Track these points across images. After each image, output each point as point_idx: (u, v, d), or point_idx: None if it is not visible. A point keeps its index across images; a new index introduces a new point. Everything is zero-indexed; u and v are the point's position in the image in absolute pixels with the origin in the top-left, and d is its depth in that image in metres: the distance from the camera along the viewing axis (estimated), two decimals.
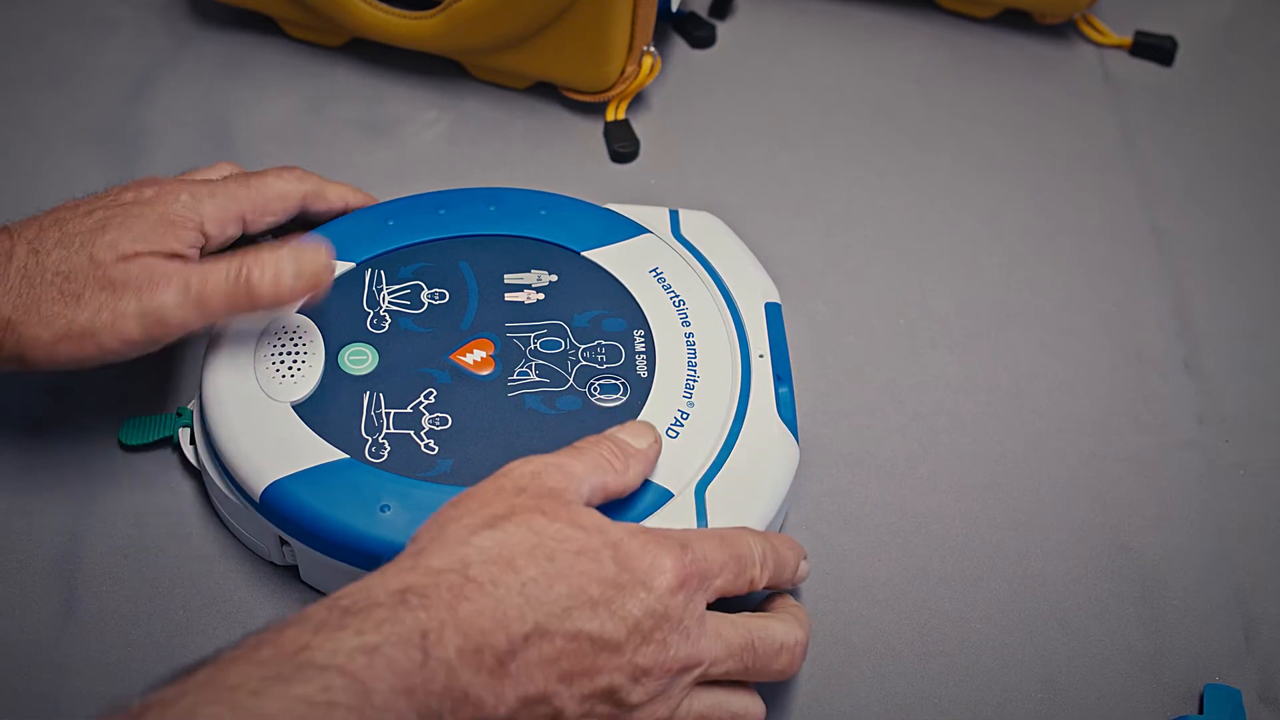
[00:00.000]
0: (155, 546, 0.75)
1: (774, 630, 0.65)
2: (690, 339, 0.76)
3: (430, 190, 0.84)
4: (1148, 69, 1.04)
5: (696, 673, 0.61)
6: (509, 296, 0.78)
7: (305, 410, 0.72)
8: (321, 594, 0.73)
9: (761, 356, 0.76)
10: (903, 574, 0.77)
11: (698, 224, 0.84)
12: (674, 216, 0.84)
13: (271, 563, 0.74)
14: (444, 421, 0.72)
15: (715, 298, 0.79)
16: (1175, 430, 0.84)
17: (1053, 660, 0.74)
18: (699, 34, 1.02)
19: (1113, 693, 0.73)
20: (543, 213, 0.82)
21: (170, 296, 0.69)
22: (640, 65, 0.93)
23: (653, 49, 0.94)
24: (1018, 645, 0.75)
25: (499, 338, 0.76)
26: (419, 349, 0.75)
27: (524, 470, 0.63)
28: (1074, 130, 0.99)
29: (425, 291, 0.78)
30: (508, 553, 0.57)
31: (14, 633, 0.71)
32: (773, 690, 0.72)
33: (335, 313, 0.76)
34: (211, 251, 0.74)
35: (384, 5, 0.92)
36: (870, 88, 1.01)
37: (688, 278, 0.79)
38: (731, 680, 0.64)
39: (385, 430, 0.72)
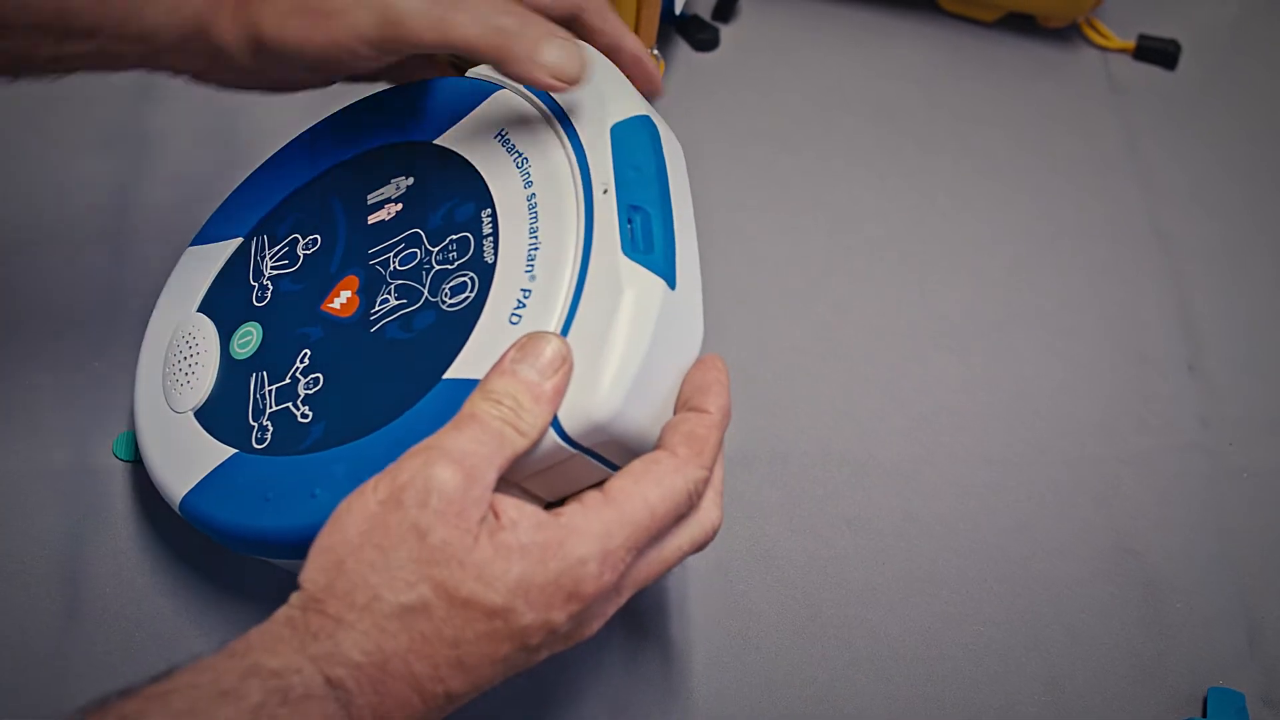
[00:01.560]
0: (157, 550, 0.75)
1: (687, 535, 0.60)
2: (532, 200, 0.65)
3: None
4: (1151, 72, 1.04)
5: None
6: (372, 219, 0.70)
7: (204, 414, 0.69)
8: None
9: (606, 192, 0.63)
10: (906, 576, 0.77)
11: None
12: None
13: (266, 565, 0.74)
14: (316, 383, 0.66)
15: (560, 142, 0.66)
16: (1178, 432, 0.84)
17: (1056, 663, 0.74)
18: (702, 37, 1.02)
19: (1116, 695, 0.73)
20: (399, 106, 0.73)
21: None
22: None
23: (656, 52, 0.94)
24: (1021, 648, 0.75)
25: (363, 269, 0.68)
26: (295, 309, 0.69)
27: (420, 485, 0.55)
28: (1077, 133, 0.99)
29: (301, 243, 0.72)
30: (419, 643, 0.54)
31: (16, 634, 0.71)
32: (777, 694, 0.72)
33: (226, 299, 0.72)
34: None
35: None
36: (873, 91, 1.00)
37: (532, 129, 0.67)
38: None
39: (268, 411, 0.67)
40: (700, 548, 0.61)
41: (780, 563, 0.77)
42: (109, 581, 0.73)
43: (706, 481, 0.60)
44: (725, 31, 1.03)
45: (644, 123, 0.66)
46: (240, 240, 0.74)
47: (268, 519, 0.63)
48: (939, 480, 0.81)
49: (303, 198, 0.74)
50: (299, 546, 0.58)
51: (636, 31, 0.90)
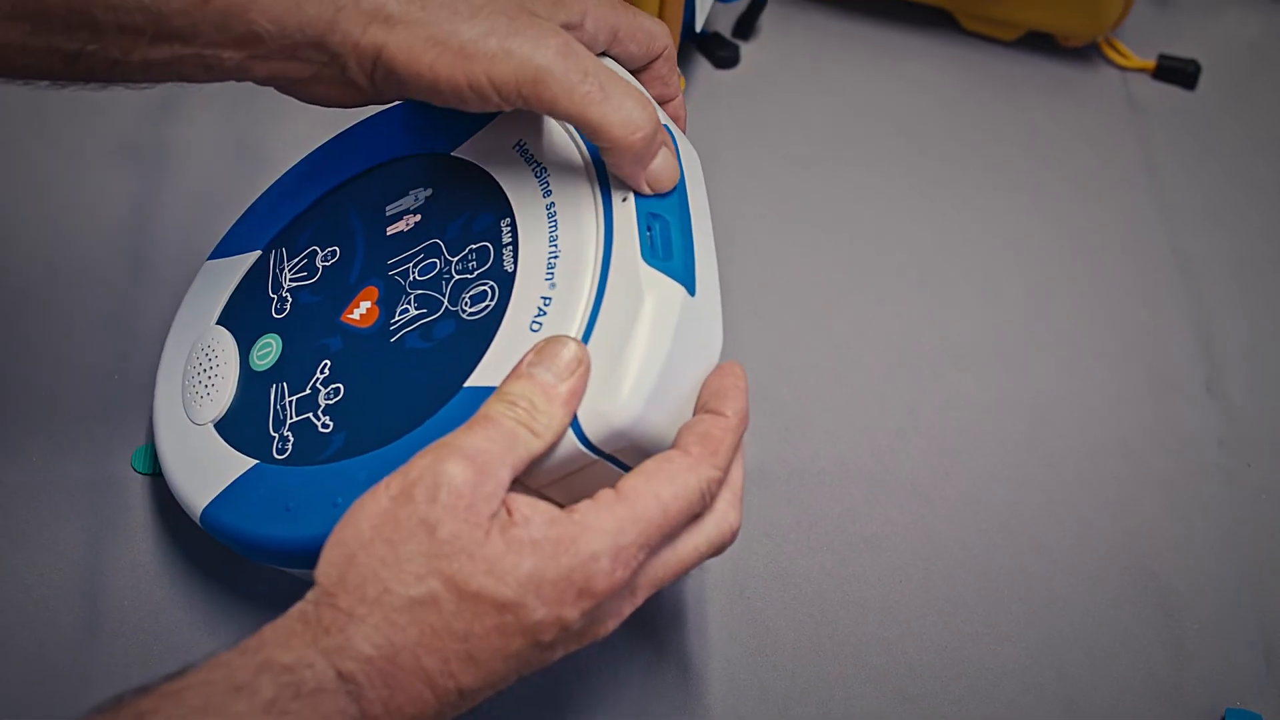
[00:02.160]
0: (175, 563, 0.75)
1: (704, 535, 0.61)
2: (551, 209, 0.65)
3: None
4: (1171, 92, 1.04)
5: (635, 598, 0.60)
6: (390, 230, 0.70)
7: (225, 426, 0.69)
8: None
9: (625, 200, 0.64)
10: (923, 596, 0.77)
11: None
12: None
13: (286, 576, 0.74)
14: (337, 393, 0.66)
15: (578, 151, 0.67)
16: (1197, 453, 0.84)
17: (1073, 683, 0.74)
18: (723, 54, 1.02)
19: (1133, 716, 0.73)
20: (417, 119, 0.74)
21: (555, 56, 0.61)
22: None
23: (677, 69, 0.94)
24: (1039, 668, 0.74)
25: (383, 280, 0.69)
26: (315, 320, 0.70)
27: (430, 481, 0.55)
28: (1097, 153, 0.99)
29: (320, 255, 0.72)
30: (429, 637, 0.54)
31: (34, 647, 0.72)
32: (793, 711, 0.71)
33: (244, 312, 0.73)
34: None
35: None
36: (893, 109, 1.01)
37: (550, 139, 0.68)
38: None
39: (289, 421, 0.67)
40: (719, 550, 0.61)
41: (797, 580, 0.77)
42: (127, 594, 0.74)
43: (720, 482, 0.60)
44: (746, 49, 1.03)
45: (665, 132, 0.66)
46: (258, 253, 0.75)
47: (290, 529, 0.63)
48: (957, 499, 0.81)
49: (320, 210, 0.74)
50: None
51: None
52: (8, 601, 0.73)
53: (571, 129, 0.67)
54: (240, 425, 0.69)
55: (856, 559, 0.78)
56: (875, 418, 0.84)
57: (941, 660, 0.74)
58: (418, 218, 0.70)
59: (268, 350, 0.70)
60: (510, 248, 0.66)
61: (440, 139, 0.72)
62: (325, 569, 0.56)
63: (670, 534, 0.59)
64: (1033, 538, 0.79)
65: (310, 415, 0.67)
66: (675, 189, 0.64)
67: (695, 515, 0.60)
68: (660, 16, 0.89)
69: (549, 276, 0.63)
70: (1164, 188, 0.97)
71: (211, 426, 0.70)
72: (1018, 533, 0.79)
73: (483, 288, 0.65)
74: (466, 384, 0.62)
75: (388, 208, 0.72)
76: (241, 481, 0.66)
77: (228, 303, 0.74)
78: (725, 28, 1.04)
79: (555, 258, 0.64)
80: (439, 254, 0.68)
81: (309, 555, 0.59)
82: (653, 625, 0.74)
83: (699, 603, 0.75)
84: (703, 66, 1.02)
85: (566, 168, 0.66)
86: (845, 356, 0.86)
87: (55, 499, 0.76)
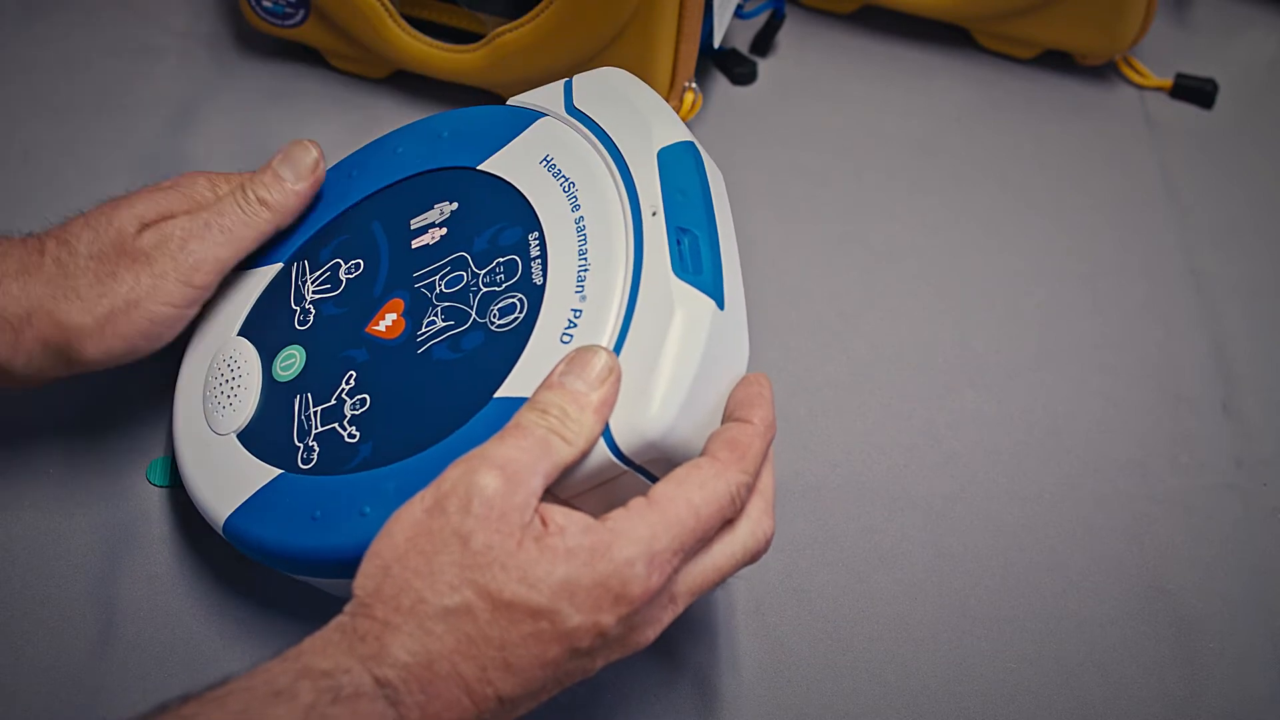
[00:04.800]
0: (191, 575, 0.75)
1: (739, 542, 0.62)
2: (580, 224, 0.67)
3: None
4: (1188, 111, 1.04)
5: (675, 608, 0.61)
6: (415, 243, 0.72)
7: (247, 436, 0.70)
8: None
9: (655, 214, 0.65)
10: (938, 613, 0.77)
11: (593, 86, 0.73)
12: (567, 88, 0.74)
13: (305, 585, 0.74)
14: (363, 403, 0.67)
15: (606, 166, 0.69)
16: (1213, 472, 0.83)
17: (1088, 701, 0.74)
18: (740, 70, 1.02)
19: None
20: (444, 134, 0.76)
21: (199, 244, 0.70)
22: (681, 101, 0.94)
23: (694, 85, 0.94)
24: (1053, 686, 0.74)
25: (409, 292, 0.70)
26: (339, 332, 0.71)
27: (463, 492, 0.57)
28: (1114, 171, 0.99)
29: (343, 268, 0.73)
30: (465, 645, 0.55)
31: (50, 658, 0.72)
32: None
33: (267, 323, 0.74)
34: None
35: (428, 38, 0.93)
36: (911, 126, 1.01)
37: (577, 154, 0.70)
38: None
39: (314, 431, 0.68)
40: (755, 557, 0.62)
41: (812, 596, 0.77)
42: (142, 605, 0.74)
43: (749, 487, 0.61)
44: (763, 66, 1.03)
45: (688, 148, 0.68)
46: (280, 266, 0.75)
47: (317, 538, 0.64)
48: (972, 516, 0.81)
49: (343, 223, 0.75)
50: (348, 564, 0.59)
51: (675, 66, 0.91)
52: (25, 612, 0.73)
53: (598, 143, 0.69)
54: (263, 435, 0.69)
55: (872, 575, 0.78)
56: (890, 433, 0.84)
57: (956, 677, 0.74)
58: (443, 231, 0.71)
59: (291, 361, 0.71)
60: (539, 261, 0.67)
61: (465, 153, 0.73)
62: (362, 581, 0.57)
63: (703, 538, 0.60)
64: (1048, 555, 0.79)
65: (336, 425, 0.67)
66: (702, 202, 0.65)
67: (727, 520, 0.61)
68: (677, 33, 0.89)
69: (579, 289, 0.65)
70: (1181, 206, 0.97)
71: (234, 437, 0.70)
72: (1032, 550, 0.79)
73: (511, 300, 0.66)
74: (497, 394, 0.63)
75: (412, 221, 0.73)
76: (266, 491, 0.67)
77: (249, 314, 0.74)
78: (743, 44, 1.05)
79: (585, 270, 0.65)
80: (466, 267, 0.69)
81: (336, 564, 0.61)
82: (669, 639, 0.74)
83: (715, 617, 0.75)
84: (720, 83, 1.02)
85: (594, 181, 0.68)
86: (861, 372, 0.86)
87: (71, 511, 0.76)
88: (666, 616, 0.60)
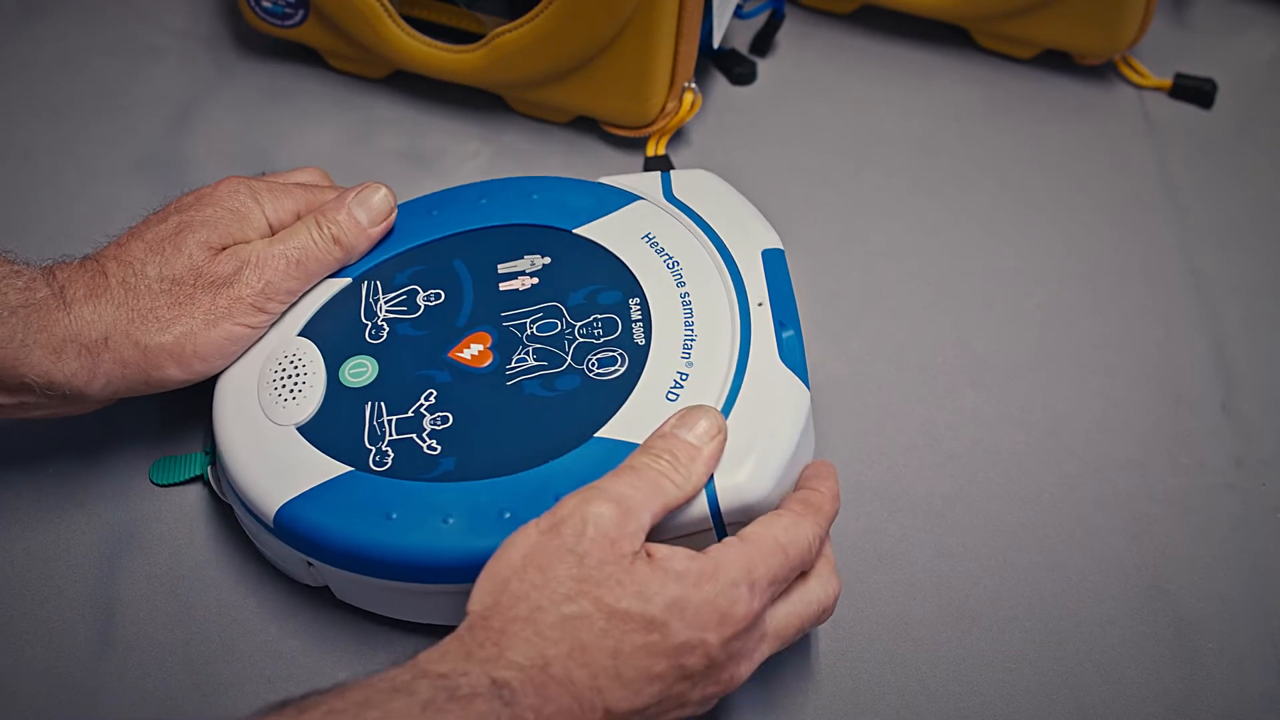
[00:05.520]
0: (191, 575, 0.75)
1: (814, 594, 0.67)
2: (686, 298, 0.75)
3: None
4: (1187, 111, 1.04)
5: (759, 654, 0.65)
6: (504, 286, 0.78)
7: (310, 430, 0.73)
8: (357, 610, 0.74)
9: (760, 305, 0.75)
10: (937, 613, 0.77)
11: (690, 183, 0.82)
12: (665, 179, 0.82)
13: (306, 588, 0.74)
14: (445, 420, 0.72)
15: (710, 253, 0.77)
16: (1212, 472, 0.83)
17: (1087, 701, 0.74)
18: (740, 70, 1.02)
19: None
20: (534, 197, 0.82)
21: (273, 273, 0.74)
22: (681, 101, 0.94)
23: (694, 85, 0.94)
24: (1052, 686, 0.74)
25: (496, 329, 0.76)
26: (418, 352, 0.75)
27: (578, 518, 0.61)
28: (1113, 171, 0.99)
29: (421, 295, 0.78)
30: (579, 651, 0.58)
31: (50, 659, 0.72)
32: None
33: (333, 330, 0.77)
34: None
35: (427, 38, 0.93)
36: (910, 126, 1.01)
37: (681, 238, 0.78)
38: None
39: (388, 438, 0.72)
40: (827, 612, 0.68)
41: None
42: (142, 606, 0.74)
43: (822, 539, 0.67)
44: (762, 66, 1.03)
45: (782, 255, 0.78)
46: (349, 281, 0.79)
47: (392, 536, 0.68)
48: (971, 516, 0.81)
49: (421, 254, 0.80)
50: (418, 567, 0.68)
51: (674, 66, 0.91)
52: (24, 614, 0.73)
53: (701, 232, 0.78)
54: (330, 432, 0.73)
55: (871, 575, 0.78)
56: (890, 435, 0.84)
57: (955, 677, 0.74)
58: (534, 280, 0.78)
59: (362, 370, 0.75)
60: (640, 324, 0.75)
61: (560, 216, 0.80)
62: (478, 598, 0.61)
63: (790, 575, 0.65)
64: (1047, 555, 0.79)
65: (414, 436, 0.72)
66: (794, 304, 0.75)
67: (806, 566, 0.66)
68: (677, 32, 0.89)
69: (685, 355, 0.73)
70: (1180, 206, 0.97)
71: (294, 429, 0.73)
72: (1032, 550, 0.79)
73: (611, 354, 0.74)
74: (598, 434, 0.70)
75: (500, 265, 0.79)
76: (332, 485, 0.70)
77: (311, 319, 0.77)
78: (742, 44, 1.05)
79: (692, 340, 0.73)
80: (560, 316, 0.76)
81: (407, 565, 0.67)
82: None
83: None
84: (720, 83, 1.02)
85: (700, 265, 0.77)
86: (860, 372, 0.86)
87: (71, 511, 0.77)
88: (758, 654, 0.64)
